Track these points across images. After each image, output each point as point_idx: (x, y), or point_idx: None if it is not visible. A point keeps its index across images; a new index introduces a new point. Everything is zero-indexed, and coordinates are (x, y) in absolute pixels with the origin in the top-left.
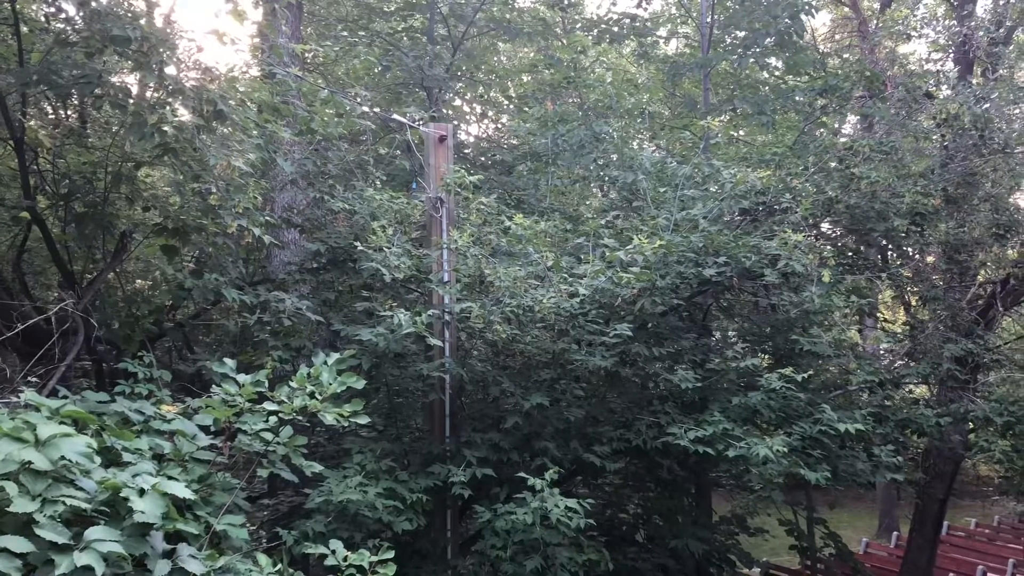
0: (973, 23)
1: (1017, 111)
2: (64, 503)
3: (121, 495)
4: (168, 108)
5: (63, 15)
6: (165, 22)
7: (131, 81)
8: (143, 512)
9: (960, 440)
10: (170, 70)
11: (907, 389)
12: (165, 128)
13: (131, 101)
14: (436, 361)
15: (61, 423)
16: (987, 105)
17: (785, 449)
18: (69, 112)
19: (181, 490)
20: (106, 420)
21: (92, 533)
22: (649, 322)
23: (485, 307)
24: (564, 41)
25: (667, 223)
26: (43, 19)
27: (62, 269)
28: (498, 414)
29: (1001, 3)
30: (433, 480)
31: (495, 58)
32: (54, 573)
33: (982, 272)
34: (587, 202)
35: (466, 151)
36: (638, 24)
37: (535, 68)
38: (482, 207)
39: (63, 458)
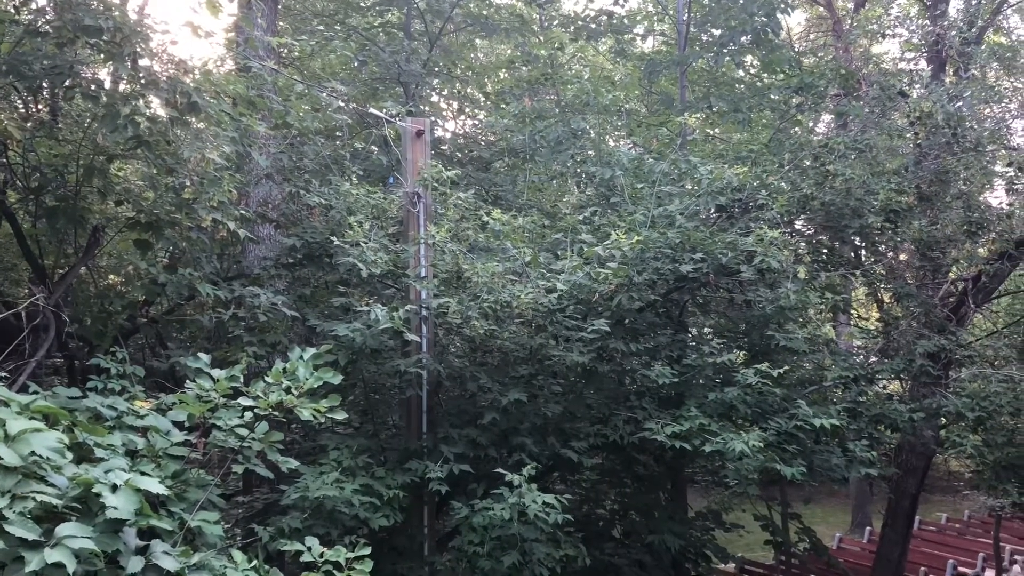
0: (946, 23)
1: (988, 110)
2: (34, 499)
3: (93, 491)
4: (142, 100)
5: (33, 4)
6: (139, 13)
7: (103, 74)
8: (116, 508)
9: (932, 435)
10: (143, 62)
11: (881, 385)
12: (138, 121)
13: (103, 93)
14: (413, 357)
15: (31, 418)
16: (959, 104)
17: (761, 444)
18: (40, 104)
19: (155, 486)
20: (78, 416)
21: (63, 529)
22: (626, 318)
23: (463, 303)
24: (541, 38)
25: (644, 219)
26: (12, 9)
27: (33, 264)
28: (475, 410)
29: (973, 3)
30: (410, 476)
31: (472, 54)
32: (24, 570)
33: (954, 269)
34: (564, 198)
35: (443, 147)
36: (615, 21)
37: (512, 64)
38: (459, 202)
39: (33, 453)
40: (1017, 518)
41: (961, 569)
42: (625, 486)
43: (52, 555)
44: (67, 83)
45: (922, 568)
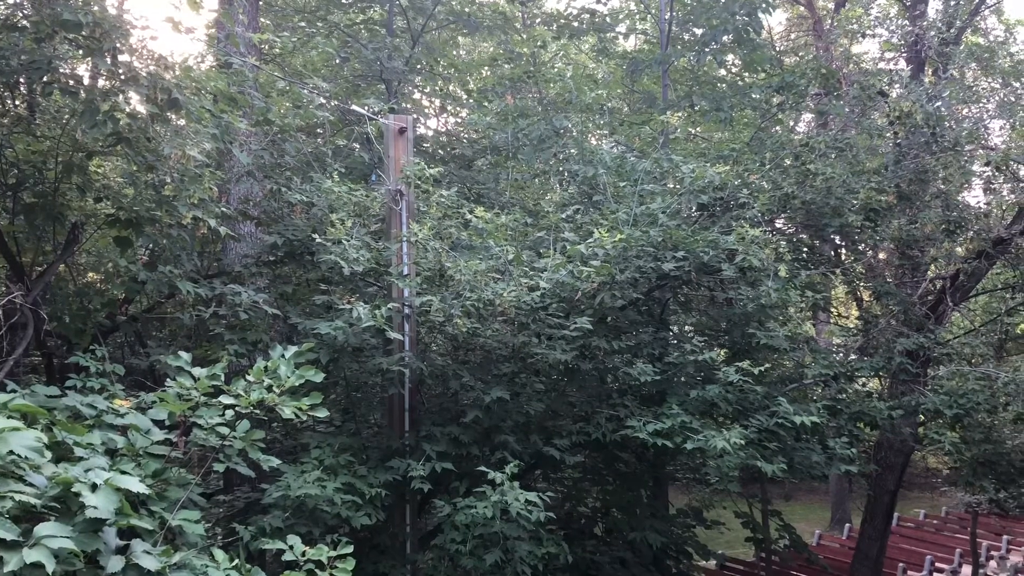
0: (925, 23)
1: (967, 110)
2: (13, 499)
3: (72, 490)
4: (121, 96)
5: None
6: (118, 8)
7: (82, 70)
8: (95, 507)
9: (911, 432)
10: (123, 57)
11: (860, 382)
12: (118, 117)
13: (82, 89)
14: (395, 355)
15: (10, 417)
16: (938, 104)
17: (742, 441)
18: (17, 100)
19: (135, 485)
20: (56, 414)
21: (42, 529)
22: (608, 316)
23: (445, 301)
24: (524, 36)
25: (626, 217)
26: None
27: (10, 261)
28: (458, 408)
29: (952, 4)
30: (392, 475)
31: (455, 52)
32: (2, 570)
33: (933, 267)
34: (547, 196)
35: (425, 145)
36: (598, 20)
37: (495, 62)
38: (442, 200)
39: (12, 452)
40: (994, 514)
41: (938, 564)
42: (607, 484)
43: (31, 555)
44: (45, 79)
45: (900, 564)
